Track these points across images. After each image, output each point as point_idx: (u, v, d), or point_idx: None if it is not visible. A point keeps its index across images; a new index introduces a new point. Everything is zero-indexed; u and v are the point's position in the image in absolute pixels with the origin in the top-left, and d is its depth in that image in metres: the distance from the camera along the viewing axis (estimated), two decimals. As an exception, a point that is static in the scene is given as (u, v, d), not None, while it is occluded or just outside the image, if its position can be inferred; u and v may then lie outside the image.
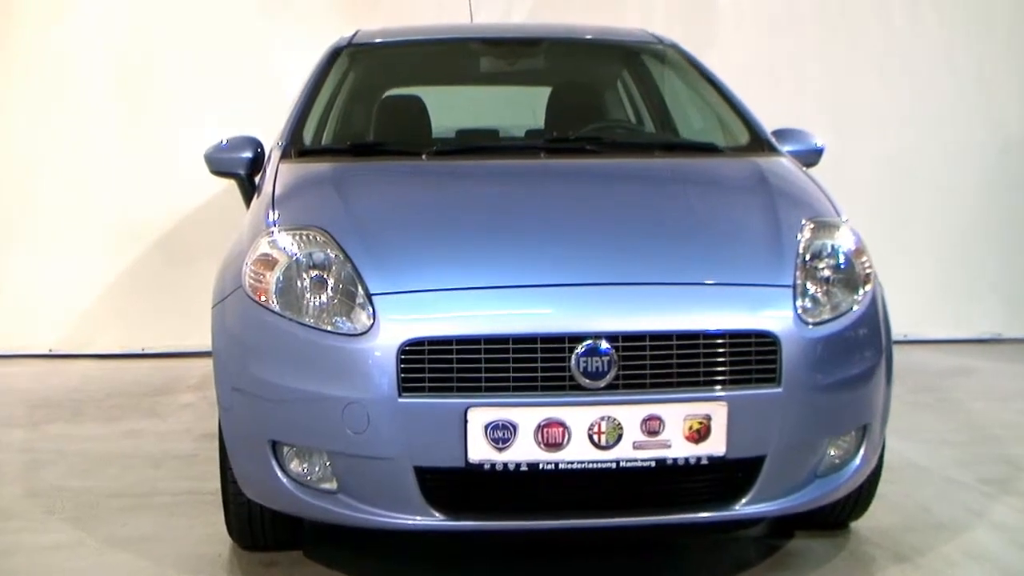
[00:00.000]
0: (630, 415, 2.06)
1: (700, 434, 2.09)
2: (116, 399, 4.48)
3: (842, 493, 2.41)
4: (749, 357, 2.12)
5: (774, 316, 2.17)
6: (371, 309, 2.13)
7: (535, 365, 2.05)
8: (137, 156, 5.48)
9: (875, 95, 5.84)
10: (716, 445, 2.10)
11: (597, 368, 2.05)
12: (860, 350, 2.33)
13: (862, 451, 2.37)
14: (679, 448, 2.09)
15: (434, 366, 2.06)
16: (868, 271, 2.44)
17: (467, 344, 2.06)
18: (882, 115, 5.83)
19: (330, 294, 2.21)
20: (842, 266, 2.40)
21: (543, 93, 3.77)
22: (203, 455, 3.40)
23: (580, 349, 2.04)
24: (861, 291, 2.39)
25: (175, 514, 2.97)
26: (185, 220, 5.53)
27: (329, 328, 2.16)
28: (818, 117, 5.25)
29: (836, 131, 5.27)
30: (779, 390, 2.12)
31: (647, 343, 2.08)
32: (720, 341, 2.11)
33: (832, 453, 2.32)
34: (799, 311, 2.21)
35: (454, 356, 2.06)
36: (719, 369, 2.11)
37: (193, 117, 5.40)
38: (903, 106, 5.83)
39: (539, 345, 2.05)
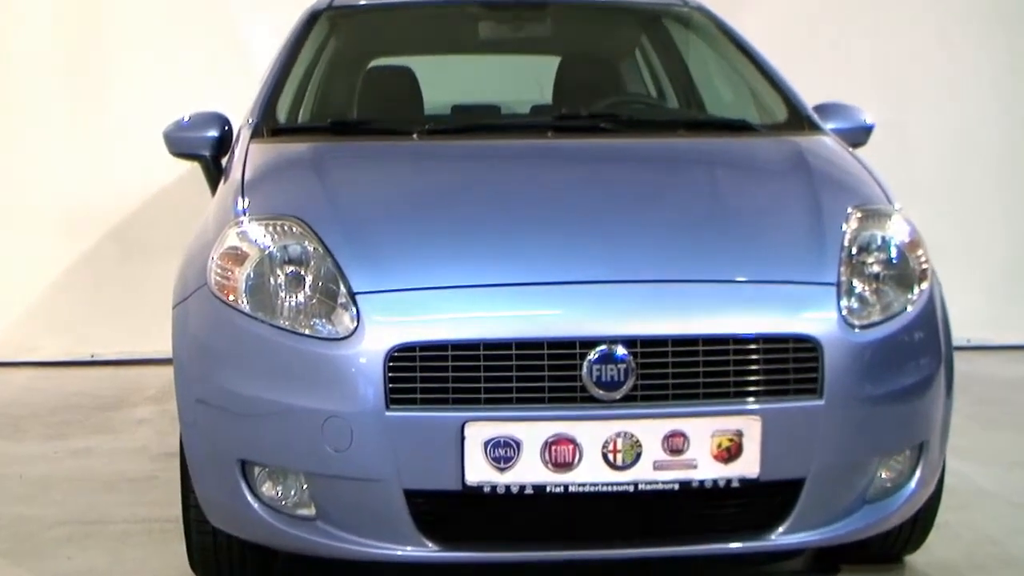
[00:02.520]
0: (650, 431, 2.06)
1: (730, 453, 2.09)
2: (62, 413, 4.49)
3: (895, 522, 2.42)
4: (786, 365, 2.12)
5: (815, 318, 2.17)
6: (355, 310, 2.14)
7: (542, 374, 2.06)
8: (84, 135, 5.50)
9: (934, 64, 5.83)
10: (749, 465, 2.10)
11: (612, 377, 2.04)
12: (915, 357, 2.33)
13: (918, 473, 2.36)
14: (706, 469, 2.09)
15: (427, 375, 2.07)
16: (924, 266, 2.44)
17: (464, 350, 2.06)
18: (942, 88, 5.82)
19: (308, 293, 2.21)
20: (894, 261, 2.40)
21: (551, 64, 3.78)
22: (162, 477, 3.41)
23: (593, 356, 2.05)
24: (916, 289, 2.39)
25: (129, 545, 2.98)
26: (141, 208, 5.54)
27: (307, 332, 2.17)
28: (867, 90, 5.25)
29: (888, 106, 5.28)
30: (821, 402, 2.12)
31: (669, 349, 2.07)
32: (753, 347, 2.11)
33: (883, 475, 2.31)
34: (844, 312, 2.21)
35: (449, 364, 2.06)
36: (752, 379, 2.11)
37: (150, 91, 5.42)
38: (967, 78, 5.82)
39: (546, 351, 2.06)
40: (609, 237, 2.34)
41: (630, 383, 2.04)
